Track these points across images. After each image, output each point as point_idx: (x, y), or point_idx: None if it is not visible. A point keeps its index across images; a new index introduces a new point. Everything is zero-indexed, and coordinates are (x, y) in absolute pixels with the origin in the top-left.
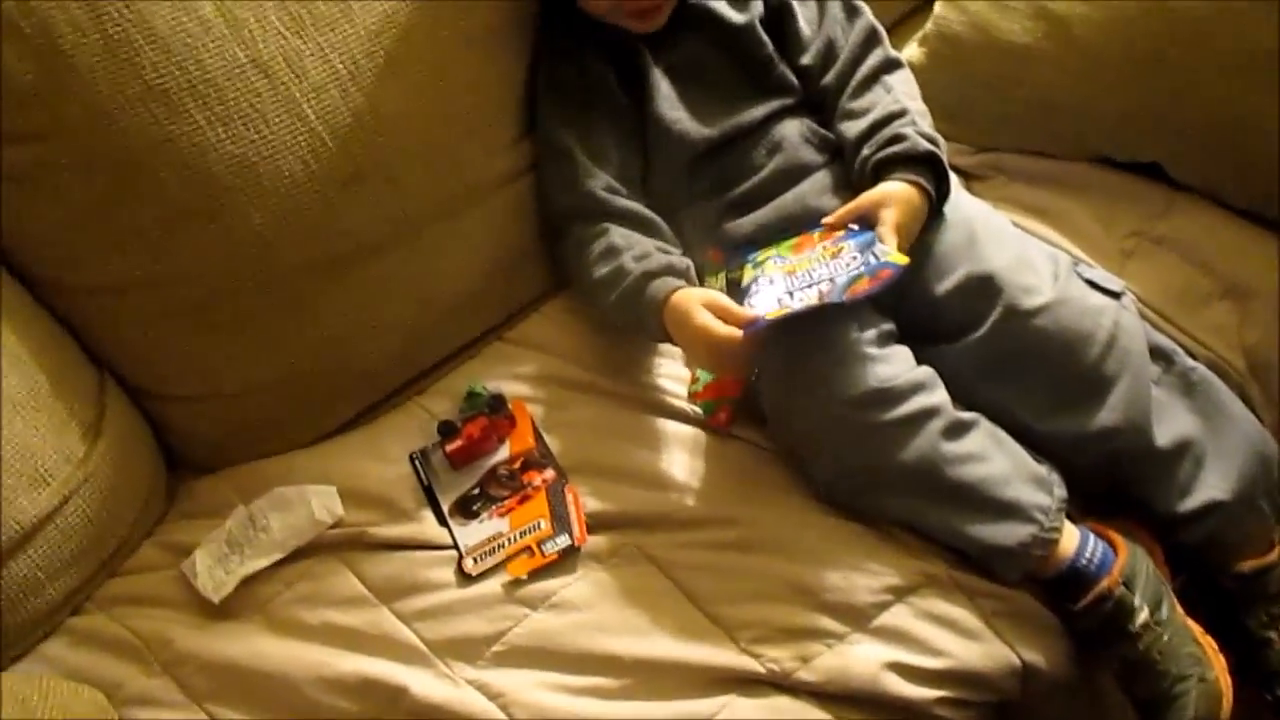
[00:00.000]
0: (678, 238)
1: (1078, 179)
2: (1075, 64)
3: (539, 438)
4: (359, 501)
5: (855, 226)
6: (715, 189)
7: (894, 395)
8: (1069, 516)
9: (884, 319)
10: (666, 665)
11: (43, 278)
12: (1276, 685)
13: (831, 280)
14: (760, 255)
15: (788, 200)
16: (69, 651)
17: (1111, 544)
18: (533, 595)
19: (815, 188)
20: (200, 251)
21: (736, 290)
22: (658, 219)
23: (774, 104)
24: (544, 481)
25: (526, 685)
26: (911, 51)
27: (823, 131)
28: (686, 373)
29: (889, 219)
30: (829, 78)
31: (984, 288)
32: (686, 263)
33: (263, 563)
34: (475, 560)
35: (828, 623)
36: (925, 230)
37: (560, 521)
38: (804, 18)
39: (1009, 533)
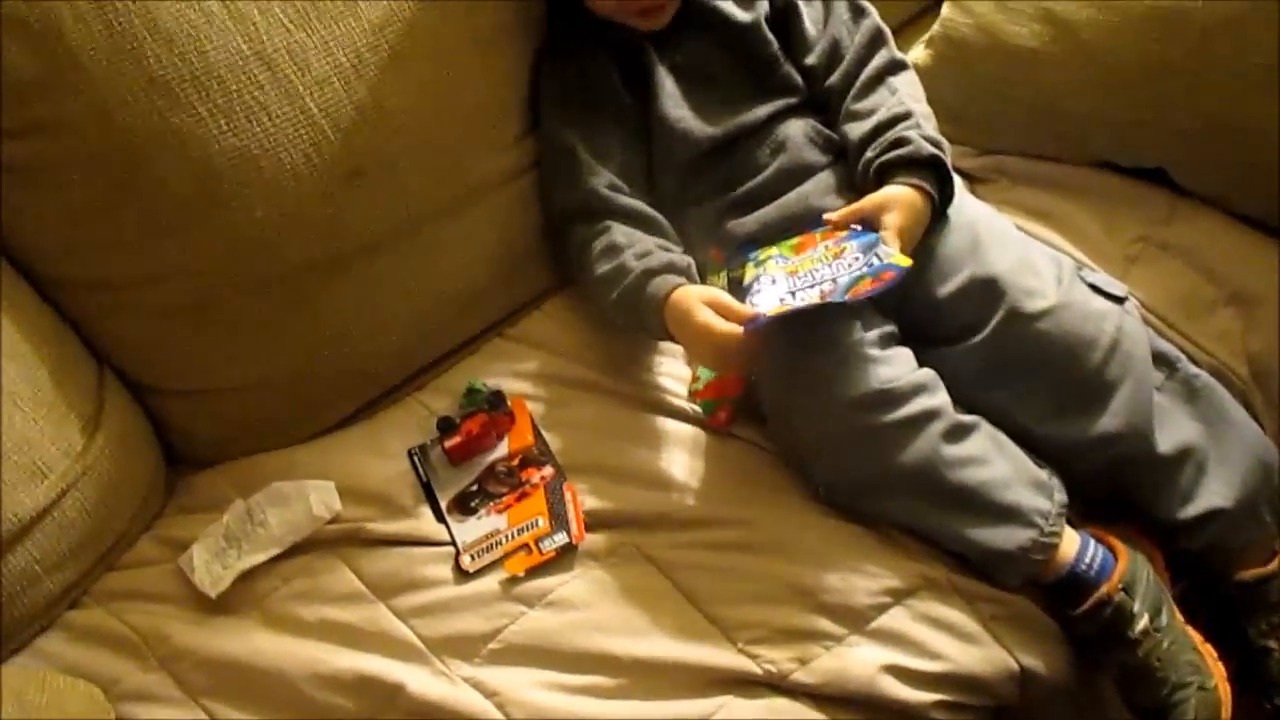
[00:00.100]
0: (681, 237)
1: (1082, 183)
2: (1081, 69)
3: (538, 435)
4: (357, 497)
5: (858, 227)
6: (718, 188)
7: (895, 397)
8: (1069, 522)
9: (886, 320)
10: (663, 665)
11: (43, 272)
12: (1276, 694)
13: (834, 281)
14: (762, 254)
15: (791, 200)
16: (66, 646)
17: (1112, 550)
18: (530, 593)
19: (818, 188)
20: (202, 246)
21: (738, 289)
22: (660, 217)
23: (778, 104)
24: (542, 479)
25: (522, 684)
26: (918, 53)
27: (827, 132)
28: (687, 372)
29: (891, 223)
30: (834, 78)
31: (987, 290)
32: (688, 260)
33: (260, 558)
34: (472, 557)
35: (826, 624)
36: (928, 233)
37: (558, 519)
38: (809, 17)
39: (1008, 537)
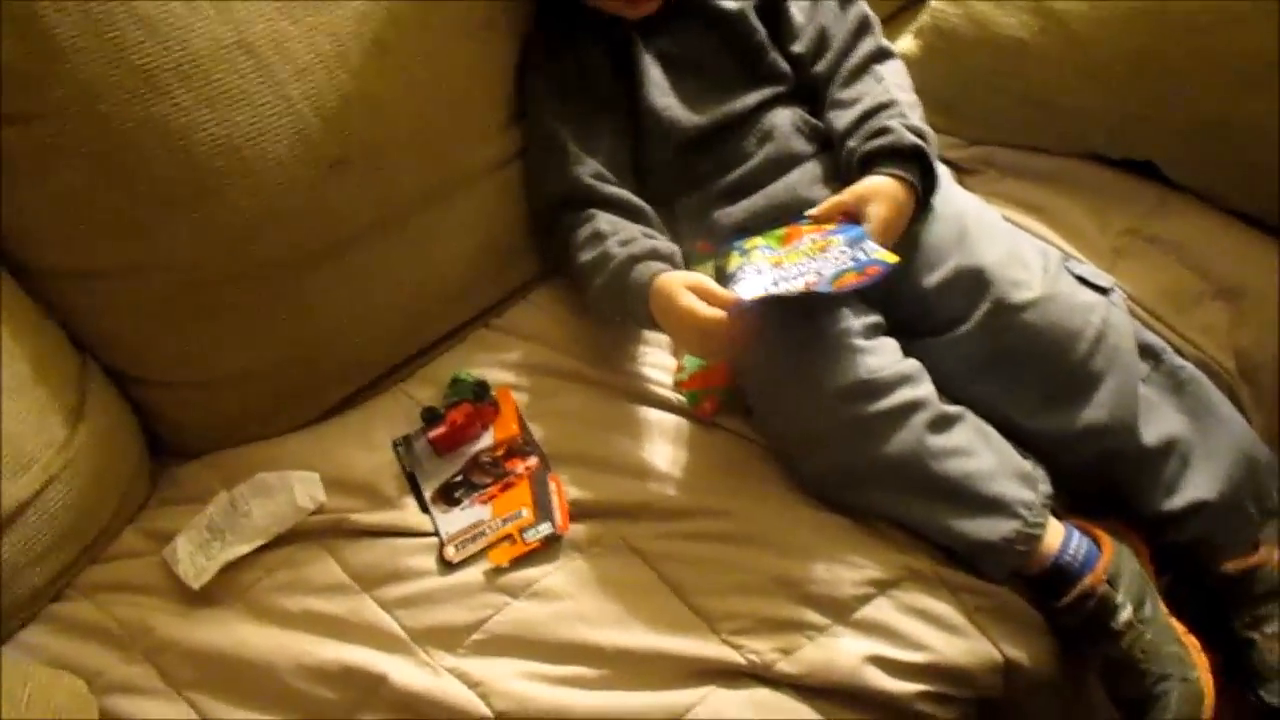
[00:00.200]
0: (669, 227)
1: (1071, 175)
2: (1071, 61)
3: (523, 425)
4: (341, 488)
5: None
6: (705, 177)
7: (880, 387)
8: (1055, 513)
9: (872, 311)
10: (647, 655)
11: (25, 262)
12: (1259, 685)
13: (819, 273)
14: (748, 243)
15: (778, 189)
16: (50, 638)
17: (1097, 542)
18: (514, 583)
19: (805, 177)
20: (186, 236)
21: (724, 279)
22: (646, 206)
23: (766, 92)
24: (527, 469)
25: (506, 674)
26: (907, 44)
27: (814, 121)
28: (673, 362)
29: (874, 215)
30: (821, 66)
31: (973, 281)
32: (672, 248)
33: (244, 549)
34: (456, 548)
35: (810, 615)
36: (914, 223)
37: (543, 509)
38: (797, 5)
39: (992, 528)
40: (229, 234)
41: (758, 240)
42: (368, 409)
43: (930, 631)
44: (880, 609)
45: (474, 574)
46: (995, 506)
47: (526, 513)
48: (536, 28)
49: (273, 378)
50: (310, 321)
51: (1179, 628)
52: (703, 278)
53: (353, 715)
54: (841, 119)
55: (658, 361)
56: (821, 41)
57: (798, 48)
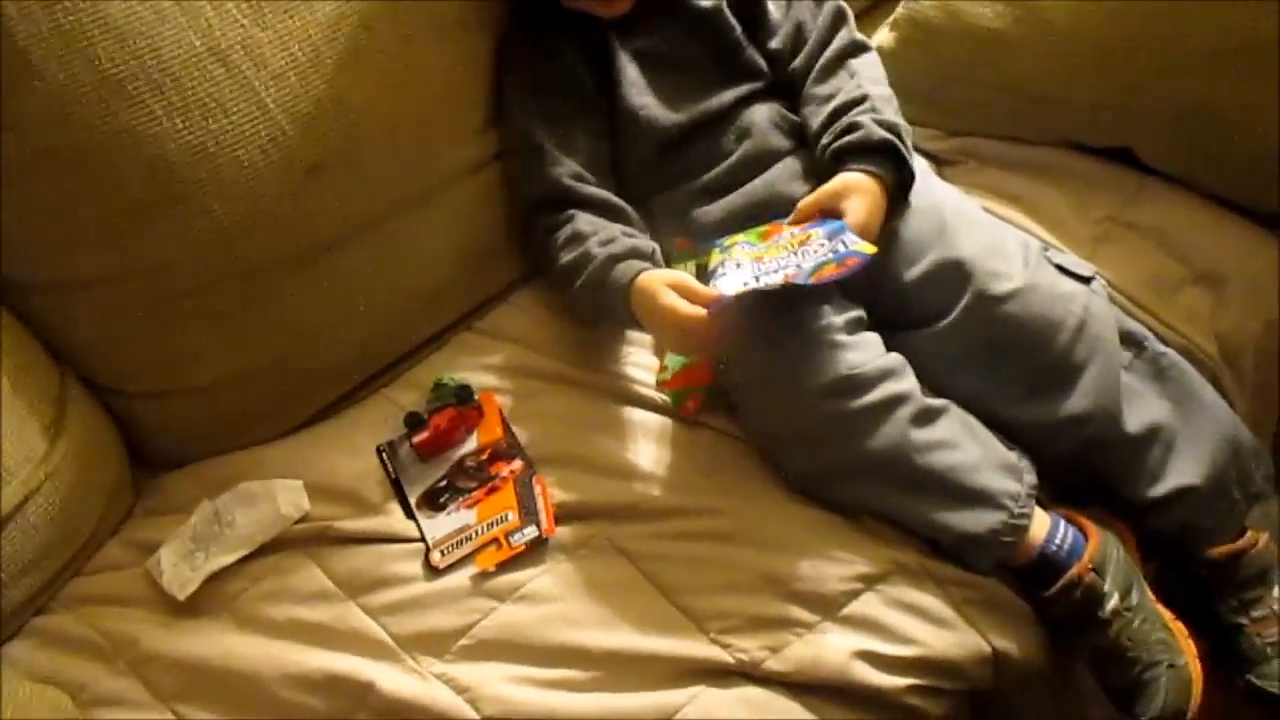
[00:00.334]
0: (649, 225)
1: (1049, 164)
2: (1047, 50)
3: (507, 428)
4: (326, 495)
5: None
6: (684, 175)
7: (862, 382)
8: (1040, 504)
9: (854, 306)
10: (635, 657)
11: (1, 275)
12: (1246, 670)
13: (798, 266)
14: (728, 241)
15: (757, 186)
16: (34, 652)
17: (1083, 531)
18: (500, 588)
19: (784, 174)
20: (161, 245)
21: (705, 277)
22: (626, 206)
23: (743, 89)
24: (512, 473)
25: (494, 679)
26: (883, 36)
27: (792, 117)
28: (655, 361)
29: (851, 210)
30: (797, 62)
31: (954, 273)
32: (652, 246)
33: (229, 559)
34: (442, 553)
35: (797, 612)
36: (893, 217)
37: (528, 513)
38: (773, 2)
39: (977, 520)
40: (206, 241)
41: (738, 237)
42: (351, 415)
43: (918, 625)
44: (868, 604)
45: (460, 579)
46: (980, 499)
47: (512, 516)
48: (513, 28)
49: (254, 385)
50: (290, 328)
51: (1166, 615)
52: (684, 275)
53: None
54: (815, 116)
55: (641, 361)
56: (798, 36)
57: (775, 44)
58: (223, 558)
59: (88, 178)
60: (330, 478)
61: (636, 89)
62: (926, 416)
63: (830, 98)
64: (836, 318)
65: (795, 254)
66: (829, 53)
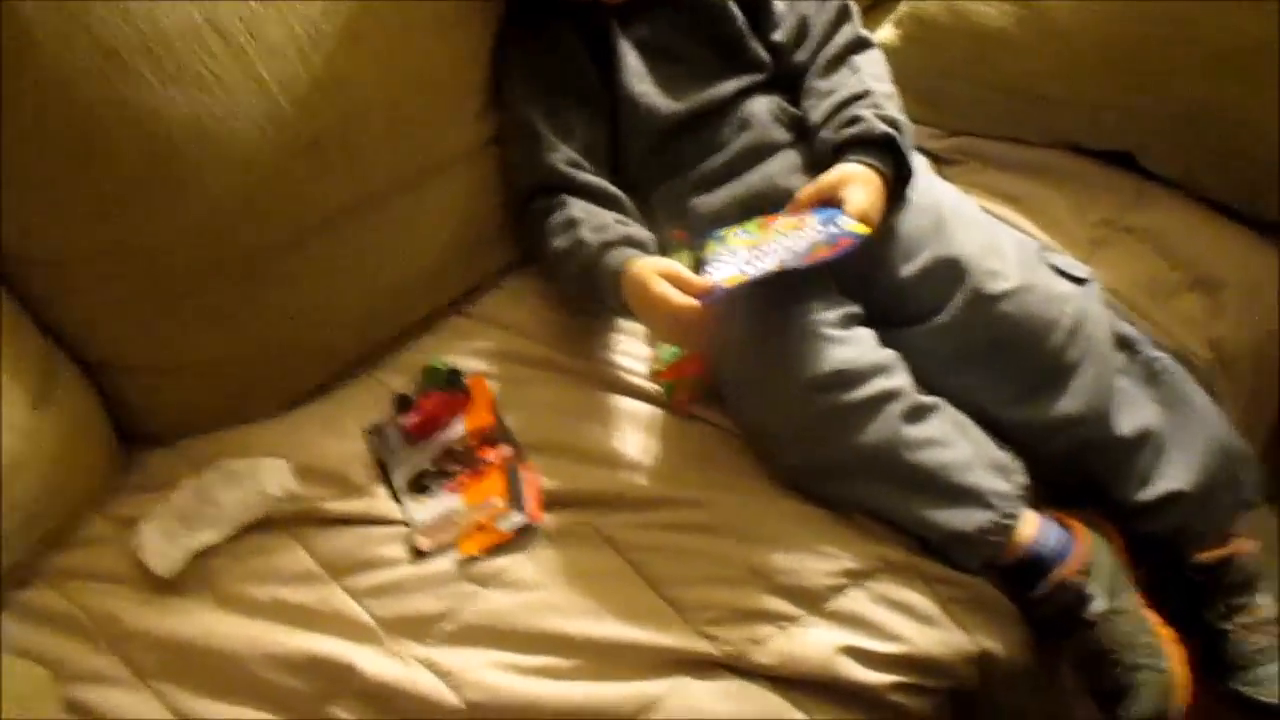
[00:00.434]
0: (646, 215)
1: (1049, 166)
2: (1050, 51)
3: (496, 414)
4: (312, 476)
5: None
6: (683, 165)
7: (854, 377)
8: (1030, 504)
9: (848, 301)
10: (618, 646)
11: None
12: (1233, 676)
13: (792, 250)
14: (724, 232)
15: (755, 178)
16: (15, 627)
17: (1072, 533)
18: (485, 573)
19: (783, 166)
20: (155, 221)
21: (701, 269)
22: (621, 194)
23: (744, 80)
24: (500, 458)
25: (476, 664)
26: (886, 33)
27: (792, 110)
28: (648, 350)
29: (850, 198)
30: (800, 55)
31: (950, 271)
32: (646, 234)
33: (213, 538)
34: (427, 537)
35: (782, 605)
36: (891, 213)
37: (515, 499)
38: None
39: (966, 518)
40: (199, 217)
41: (735, 229)
42: (339, 396)
43: (904, 622)
44: (854, 599)
45: (445, 563)
46: (970, 497)
47: (498, 502)
48: (513, 14)
49: (244, 364)
50: (282, 307)
51: (1153, 619)
52: (676, 264)
53: (321, 705)
54: (817, 109)
55: (632, 350)
56: (802, 30)
57: (779, 36)
58: (206, 536)
59: (84, 152)
60: (317, 458)
61: (637, 77)
62: (918, 413)
63: (832, 92)
64: (829, 313)
65: (789, 238)
66: (832, 48)
